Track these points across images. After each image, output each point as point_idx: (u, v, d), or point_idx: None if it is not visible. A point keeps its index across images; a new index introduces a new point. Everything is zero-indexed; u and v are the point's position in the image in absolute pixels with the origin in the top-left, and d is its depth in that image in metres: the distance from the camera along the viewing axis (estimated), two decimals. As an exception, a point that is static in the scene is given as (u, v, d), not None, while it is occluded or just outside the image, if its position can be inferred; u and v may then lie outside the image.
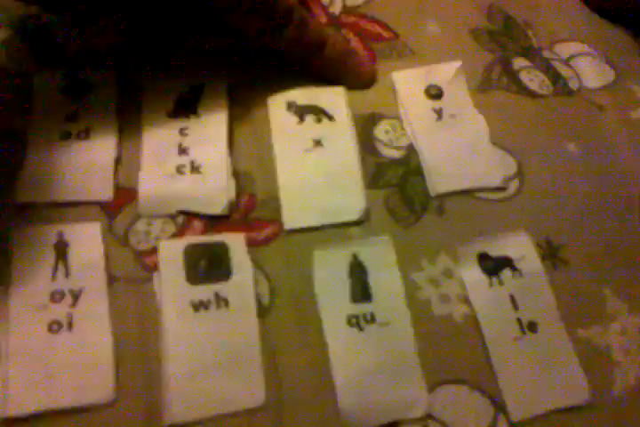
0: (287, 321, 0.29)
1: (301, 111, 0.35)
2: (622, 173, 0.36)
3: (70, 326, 0.27)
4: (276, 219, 0.32)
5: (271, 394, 0.27)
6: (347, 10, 0.41)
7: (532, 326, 0.30)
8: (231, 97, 0.35)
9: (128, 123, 0.33)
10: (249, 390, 0.27)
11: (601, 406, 0.29)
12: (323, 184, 0.33)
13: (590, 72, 0.40)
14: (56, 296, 0.28)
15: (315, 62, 0.35)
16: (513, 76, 0.39)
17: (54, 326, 0.27)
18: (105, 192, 0.31)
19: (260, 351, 0.28)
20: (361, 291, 0.30)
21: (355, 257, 0.31)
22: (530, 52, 0.40)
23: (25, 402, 0.26)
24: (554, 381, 0.29)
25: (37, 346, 0.27)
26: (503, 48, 0.40)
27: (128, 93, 0.34)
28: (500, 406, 0.28)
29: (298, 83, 0.36)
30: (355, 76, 0.37)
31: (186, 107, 0.34)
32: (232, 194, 0.32)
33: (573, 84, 0.39)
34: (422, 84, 0.37)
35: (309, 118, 0.35)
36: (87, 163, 0.31)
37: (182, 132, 0.33)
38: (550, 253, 0.32)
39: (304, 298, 0.30)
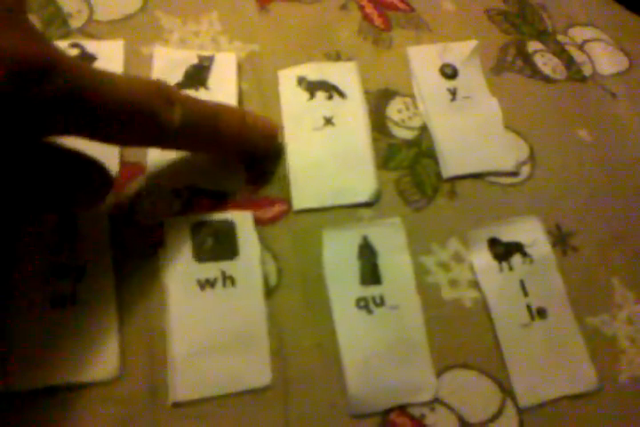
0: (294, 301, 0.29)
1: (312, 87, 0.34)
2: (634, 161, 0.35)
3: (74, 300, 0.27)
4: (284, 198, 0.31)
5: (278, 374, 0.27)
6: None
7: (542, 313, 0.30)
8: (241, 70, 0.34)
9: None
10: (255, 370, 0.27)
11: (607, 394, 0.29)
12: (333, 164, 0.32)
13: (604, 58, 0.39)
14: (60, 270, 0.27)
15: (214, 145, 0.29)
16: (527, 58, 0.38)
17: (58, 301, 0.26)
18: (110, 167, 0.30)
19: (266, 331, 0.28)
20: (370, 273, 0.30)
21: (364, 239, 0.30)
22: (544, 36, 0.39)
23: (27, 377, 0.25)
24: (562, 367, 0.29)
25: (41, 321, 0.26)
26: (518, 30, 0.39)
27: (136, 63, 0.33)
28: (508, 392, 0.28)
29: (309, 57, 0.35)
30: (266, 145, 0.32)
31: (196, 79, 0.33)
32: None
33: (587, 70, 0.39)
34: (437, 61, 0.36)
35: (320, 95, 0.34)
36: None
37: (191, 104, 0.32)
38: (561, 240, 0.32)
39: (312, 279, 0.29)
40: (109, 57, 0.33)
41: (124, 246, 0.28)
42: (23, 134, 0.21)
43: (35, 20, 0.34)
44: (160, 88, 0.24)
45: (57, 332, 0.26)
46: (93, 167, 0.24)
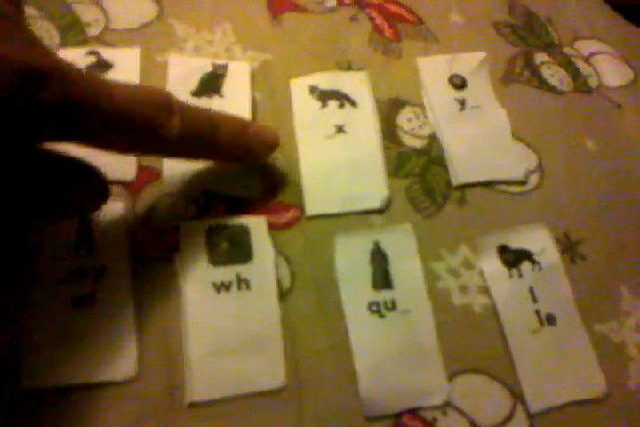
0: (307, 305, 0.29)
1: (324, 96, 0.35)
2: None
3: (93, 302, 0.27)
4: (297, 204, 0.32)
5: (292, 376, 0.27)
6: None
7: (551, 319, 0.30)
8: (255, 79, 0.35)
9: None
10: (269, 371, 0.27)
11: (615, 400, 0.29)
12: (345, 171, 0.33)
13: (610, 71, 0.40)
14: (79, 272, 0.27)
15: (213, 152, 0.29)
16: (534, 70, 0.39)
17: (77, 302, 0.27)
18: (128, 172, 0.30)
19: (280, 333, 0.28)
20: (382, 278, 0.30)
21: (376, 244, 0.31)
22: (551, 48, 0.40)
23: (47, 376, 0.26)
24: (571, 373, 0.29)
25: (60, 320, 0.27)
26: (525, 42, 0.40)
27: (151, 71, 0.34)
28: (518, 397, 0.28)
29: (321, 66, 0.36)
30: (267, 154, 0.31)
31: (210, 86, 0.33)
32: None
33: (593, 82, 0.40)
34: (446, 72, 0.37)
35: (332, 103, 0.35)
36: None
37: (205, 111, 0.32)
38: (569, 248, 0.33)
39: (324, 282, 0.30)
40: (125, 65, 0.33)
41: (141, 249, 0.29)
42: (20, 139, 0.21)
43: (53, 28, 0.34)
44: (160, 96, 0.24)
45: (76, 331, 0.27)
46: (91, 174, 0.24)
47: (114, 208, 0.29)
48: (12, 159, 0.21)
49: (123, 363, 0.26)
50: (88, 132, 0.22)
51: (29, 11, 0.35)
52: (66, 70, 0.20)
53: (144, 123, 0.23)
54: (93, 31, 0.35)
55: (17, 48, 0.19)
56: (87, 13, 0.35)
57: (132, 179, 0.30)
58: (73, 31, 0.34)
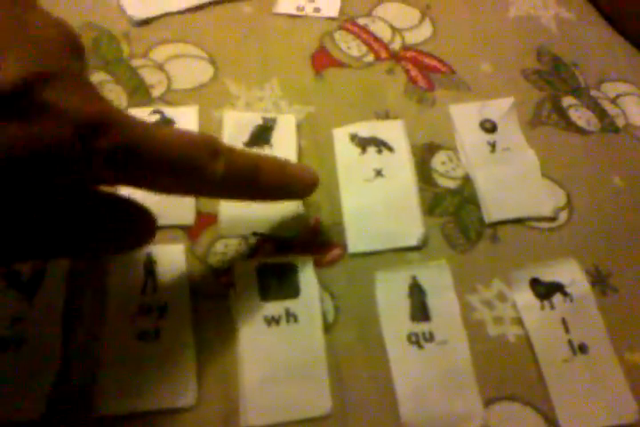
0: (350, 337, 0.32)
1: (363, 143, 0.38)
2: (667, 207, 0.38)
3: (158, 336, 0.30)
4: (340, 242, 0.34)
5: (337, 404, 0.30)
6: (405, 46, 0.44)
7: (583, 348, 0.32)
8: (300, 129, 0.38)
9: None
10: (317, 399, 0.30)
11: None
12: (384, 212, 0.35)
13: (637, 110, 0.42)
14: (145, 309, 0.31)
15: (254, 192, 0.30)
16: (562, 113, 0.41)
17: (143, 336, 0.30)
18: (188, 217, 0.34)
19: (325, 364, 0.30)
20: (420, 311, 0.32)
21: (414, 279, 0.33)
22: (578, 91, 0.43)
23: (114, 404, 0.28)
24: (604, 399, 0.30)
25: (128, 353, 0.30)
26: (552, 87, 0.42)
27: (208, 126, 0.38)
28: (552, 423, 0.30)
29: (361, 116, 0.39)
30: (306, 193, 0.32)
31: (261, 138, 0.37)
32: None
33: (620, 122, 0.41)
34: (477, 117, 0.40)
35: (371, 149, 0.38)
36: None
37: (257, 161, 0.36)
38: (600, 281, 0.34)
39: (366, 316, 0.32)
40: (185, 121, 0.38)
41: (200, 287, 0.32)
42: (80, 182, 0.23)
43: (120, 90, 0.39)
44: (206, 140, 0.26)
45: (142, 363, 0.30)
46: (140, 214, 0.26)
47: (175, 250, 0.33)
48: (68, 199, 0.23)
49: (184, 392, 0.29)
50: (142, 174, 0.24)
51: (100, 76, 0.39)
52: (122, 118, 0.22)
53: (192, 164, 0.25)
54: (157, 92, 0.39)
55: (81, 100, 0.20)
56: (151, 77, 0.40)
57: (191, 223, 0.34)
58: (139, 94, 0.39)
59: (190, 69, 0.40)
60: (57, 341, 0.30)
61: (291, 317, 0.32)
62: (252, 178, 0.28)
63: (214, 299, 0.32)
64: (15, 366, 0.29)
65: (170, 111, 0.38)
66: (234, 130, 0.37)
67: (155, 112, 0.38)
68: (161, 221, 0.32)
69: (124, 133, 0.22)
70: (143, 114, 0.37)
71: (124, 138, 0.22)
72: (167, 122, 0.37)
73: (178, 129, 0.26)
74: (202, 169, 0.25)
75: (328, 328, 0.32)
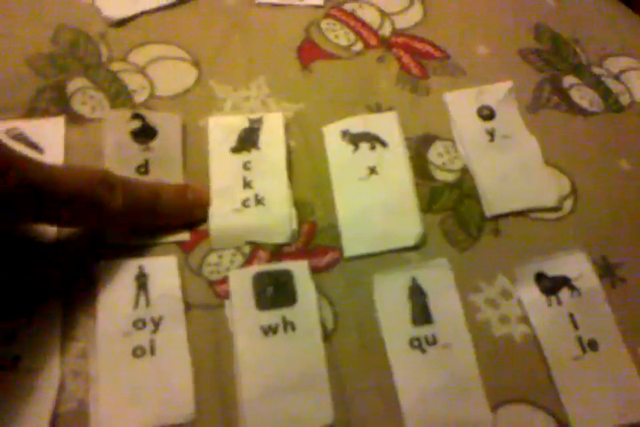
0: (351, 345, 0.31)
1: (355, 139, 0.37)
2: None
3: (153, 351, 0.30)
4: (335, 245, 0.33)
5: (339, 414, 0.29)
6: (396, 32, 0.42)
7: (593, 345, 0.31)
8: (289, 129, 0.37)
9: (194, 164, 0.35)
10: (318, 410, 0.29)
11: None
12: (379, 211, 0.34)
13: (641, 86, 0.40)
14: (139, 323, 0.30)
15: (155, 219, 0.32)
16: (563, 94, 0.39)
17: (138, 352, 0.29)
18: (184, 234, 0.33)
19: (326, 373, 0.30)
20: (421, 313, 0.31)
21: (413, 280, 0.32)
22: (579, 69, 0.41)
23: (113, 421, 0.28)
24: (616, 397, 0.29)
25: (123, 370, 0.29)
26: (552, 67, 0.40)
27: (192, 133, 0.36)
28: (564, 425, 0.29)
29: (352, 111, 0.38)
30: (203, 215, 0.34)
31: (248, 141, 0.36)
32: (294, 223, 0.34)
33: (624, 100, 0.40)
34: (474, 104, 0.38)
35: (364, 146, 0.36)
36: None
37: (245, 166, 0.35)
38: (608, 272, 0.33)
39: (366, 322, 0.31)
40: (168, 128, 0.36)
41: (195, 298, 0.31)
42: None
43: (102, 96, 0.38)
44: (102, 176, 0.28)
45: (138, 379, 0.29)
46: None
47: (167, 262, 0.32)
48: None
49: (181, 407, 0.28)
50: (43, 211, 0.27)
51: (81, 82, 0.38)
52: (21, 161, 0.25)
53: (91, 199, 0.28)
54: (139, 98, 0.38)
55: None
56: (133, 82, 0.38)
57: (187, 239, 0.33)
58: (120, 99, 0.38)
59: (173, 73, 0.39)
60: (55, 359, 0.29)
61: (288, 325, 0.31)
62: (150, 207, 0.31)
63: (209, 310, 0.31)
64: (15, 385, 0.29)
65: (152, 117, 0.36)
66: (220, 136, 0.36)
67: (136, 117, 0.36)
68: (157, 240, 0.33)
69: (23, 175, 0.25)
70: (124, 119, 0.36)
71: (24, 179, 0.25)
72: (149, 129, 0.36)
73: (73, 166, 0.30)
74: (101, 203, 0.28)
75: (327, 336, 0.31)
